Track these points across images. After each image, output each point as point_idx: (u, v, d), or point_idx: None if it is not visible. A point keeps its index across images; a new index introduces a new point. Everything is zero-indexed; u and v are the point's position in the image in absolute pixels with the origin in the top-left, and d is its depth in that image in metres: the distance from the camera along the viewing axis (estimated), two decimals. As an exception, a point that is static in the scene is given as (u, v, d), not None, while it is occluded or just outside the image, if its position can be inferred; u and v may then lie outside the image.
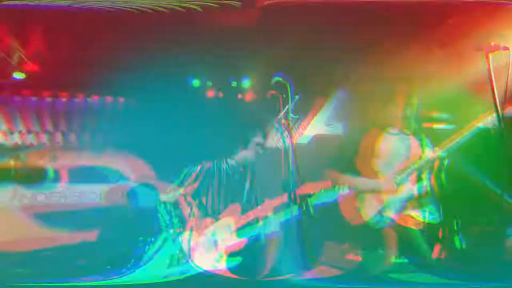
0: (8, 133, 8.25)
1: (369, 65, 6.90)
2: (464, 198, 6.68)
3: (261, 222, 4.57)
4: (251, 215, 4.38)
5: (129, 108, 7.92)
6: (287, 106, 3.49)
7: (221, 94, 7.69)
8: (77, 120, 8.25)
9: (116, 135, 7.45)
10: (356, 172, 4.94)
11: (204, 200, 4.67)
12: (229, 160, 4.64)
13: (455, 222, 6.29)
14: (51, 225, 7.24)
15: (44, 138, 8.37)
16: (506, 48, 3.80)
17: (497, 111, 3.66)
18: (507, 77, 3.78)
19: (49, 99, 8.11)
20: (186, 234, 4.68)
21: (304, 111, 8.62)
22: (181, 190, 4.69)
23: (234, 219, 4.46)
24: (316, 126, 9.13)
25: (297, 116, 3.82)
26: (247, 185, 4.61)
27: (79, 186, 7.65)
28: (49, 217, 7.26)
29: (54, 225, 7.18)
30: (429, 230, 4.94)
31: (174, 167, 5.50)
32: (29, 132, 8.30)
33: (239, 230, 4.45)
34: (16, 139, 8.28)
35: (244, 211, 4.46)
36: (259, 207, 4.41)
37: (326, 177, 5.78)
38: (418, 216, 4.85)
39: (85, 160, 7.75)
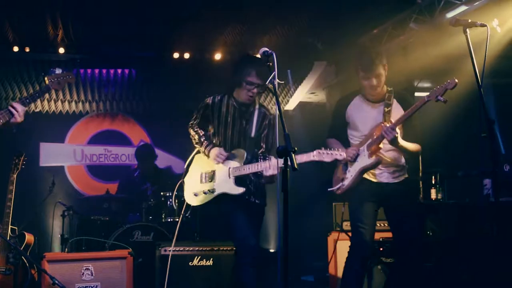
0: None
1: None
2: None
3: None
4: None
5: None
6: (273, 73, 3.84)
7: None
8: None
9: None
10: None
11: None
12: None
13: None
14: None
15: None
16: (483, 25, 3.87)
17: (478, 83, 3.83)
18: (485, 53, 3.94)
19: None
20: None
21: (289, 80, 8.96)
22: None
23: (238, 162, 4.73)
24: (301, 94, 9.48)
25: (283, 82, 4.13)
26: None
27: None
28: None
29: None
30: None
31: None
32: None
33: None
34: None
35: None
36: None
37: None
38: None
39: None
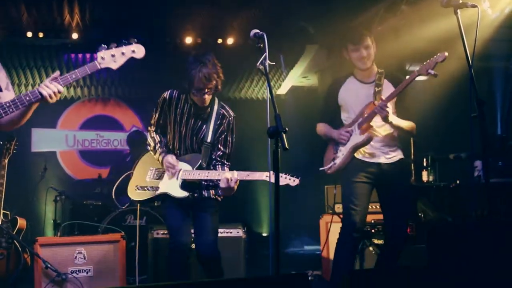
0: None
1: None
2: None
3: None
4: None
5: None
6: (264, 54, 3.84)
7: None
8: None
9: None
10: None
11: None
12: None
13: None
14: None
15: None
16: (474, 6, 3.86)
17: (468, 64, 3.85)
18: (476, 34, 3.94)
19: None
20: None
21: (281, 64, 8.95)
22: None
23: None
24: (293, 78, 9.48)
25: (274, 63, 4.09)
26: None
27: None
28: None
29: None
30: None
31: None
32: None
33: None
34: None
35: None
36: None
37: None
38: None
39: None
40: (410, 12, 6.62)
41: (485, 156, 3.77)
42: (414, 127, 4.81)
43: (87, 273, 5.48)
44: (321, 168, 4.92)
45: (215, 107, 4.67)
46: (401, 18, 6.77)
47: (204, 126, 4.63)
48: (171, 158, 4.56)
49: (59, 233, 6.74)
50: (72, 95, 9.10)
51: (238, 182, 4.38)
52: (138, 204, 5.33)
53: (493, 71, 8.29)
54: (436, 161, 6.80)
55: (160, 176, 4.70)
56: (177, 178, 4.55)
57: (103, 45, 3.87)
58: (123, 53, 3.87)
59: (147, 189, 4.71)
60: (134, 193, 4.76)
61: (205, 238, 4.55)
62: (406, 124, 4.72)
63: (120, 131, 9.51)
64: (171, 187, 4.58)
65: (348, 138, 4.72)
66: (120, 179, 5.18)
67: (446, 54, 4.31)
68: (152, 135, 4.76)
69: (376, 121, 4.66)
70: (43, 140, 9.18)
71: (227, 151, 4.67)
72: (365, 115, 4.67)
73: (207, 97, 4.52)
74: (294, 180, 4.31)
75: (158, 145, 4.71)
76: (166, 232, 5.75)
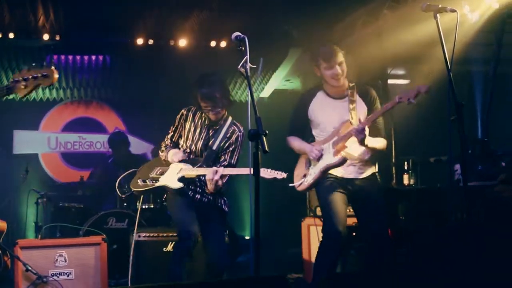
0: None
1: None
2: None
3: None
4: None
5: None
6: (245, 57, 3.86)
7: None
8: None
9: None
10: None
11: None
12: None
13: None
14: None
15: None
16: (453, 10, 3.93)
17: (448, 69, 3.89)
18: (455, 38, 3.99)
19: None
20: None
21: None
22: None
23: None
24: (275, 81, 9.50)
25: (255, 66, 4.13)
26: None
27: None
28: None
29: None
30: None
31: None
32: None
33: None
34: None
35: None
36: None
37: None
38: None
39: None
40: (392, 16, 6.66)
41: (463, 159, 3.79)
42: (385, 145, 4.80)
43: (68, 276, 5.43)
44: (291, 185, 4.88)
45: (228, 122, 4.96)
46: (383, 22, 6.82)
47: (214, 136, 4.89)
48: (177, 149, 4.91)
49: (40, 236, 6.69)
50: (55, 97, 9.07)
51: (226, 179, 4.66)
52: (141, 196, 5.32)
53: (473, 75, 8.36)
54: (417, 165, 6.84)
55: (162, 173, 4.91)
56: (176, 173, 4.78)
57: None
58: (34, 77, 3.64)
59: (148, 181, 4.93)
60: (136, 185, 4.98)
61: (219, 248, 4.83)
62: (379, 144, 4.71)
63: (103, 133, 9.45)
64: (170, 180, 4.79)
65: (318, 157, 4.69)
66: (126, 173, 5.66)
67: (428, 86, 4.29)
68: (167, 143, 5.07)
69: (350, 140, 4.61)
70: (25, 142, 9.12)
71: (232, 162, 4.89)
72: (341, 135, 4.63)
73: (213, 114, 4.84)
74: (281, 174, 4.41)
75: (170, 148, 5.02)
76: (148, 234, 5.79)
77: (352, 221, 5.50)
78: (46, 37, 7.35)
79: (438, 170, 6.83)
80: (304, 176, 4.81)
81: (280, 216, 8.15)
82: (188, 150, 4.92)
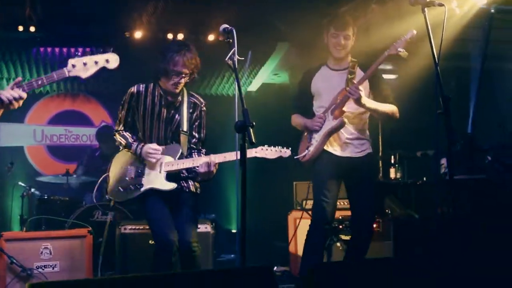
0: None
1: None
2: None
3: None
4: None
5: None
6: (233, 49, 3.85)
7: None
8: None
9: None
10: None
11: None
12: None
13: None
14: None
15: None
16: (441, 4, 3.92)
17: (435, 63, 3.90)
18: (442, 32, 3.99)
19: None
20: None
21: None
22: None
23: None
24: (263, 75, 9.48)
25: (243, 58, 4.11)
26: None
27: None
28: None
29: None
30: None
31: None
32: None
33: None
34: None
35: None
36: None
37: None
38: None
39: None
40: (380, 10, 6.67)
41: (449, 153, 3.80)
42: (394, 110, 4.85)
43: (53, 268, 5.41)
44: (295, 157, 4.91)
45: (185, 96, 4.66)
46: (371, 16, 6.82)
47: (177, 115, 4.60)
48: (152, 145, 4.47)
49: (25, 228, 6.65)
50: (41, 89, 8.99)
51: (217, 166, 4.39)
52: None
53: (462, 70, 8.38)
54: (404, 158, 6.87)
55: (140, 173, 4.53)
56: (160, 171, 4.46)
57: (78, 52, 3.77)
58: (96, 62, 3.78)
59: (130, 188, 4.51)
60: (118, 195, 4.58)
61: (188, 232, 4.41)
62: (386, 108, 4.79)
63: (89, 127, 9.40)
64: (156, 181, 4.47)
65: (321, 125, 4.77)
66: (98, 183, 5.34)
67: (415, 32, 4.43)
68: (122, 133, 4.64)
69: (351, 109, 4.73)
70: (10, 135, 9.03)
71: (202, 137, 4.70)
72: (338, 101, 4.72)
73: (183, 82, 4.51)
74: (285, 152, 4.39)
75: (132, 139, 4.58)
76: (134, 227, 5.73)
77: (339, 214, 5.53)
78: (32, 29, 7.27)
79: (425, 164, 6.86)
80: (307, 148, 4.87)
81: (266, 209, 8.14)
82: (149, 140, 4.54)
